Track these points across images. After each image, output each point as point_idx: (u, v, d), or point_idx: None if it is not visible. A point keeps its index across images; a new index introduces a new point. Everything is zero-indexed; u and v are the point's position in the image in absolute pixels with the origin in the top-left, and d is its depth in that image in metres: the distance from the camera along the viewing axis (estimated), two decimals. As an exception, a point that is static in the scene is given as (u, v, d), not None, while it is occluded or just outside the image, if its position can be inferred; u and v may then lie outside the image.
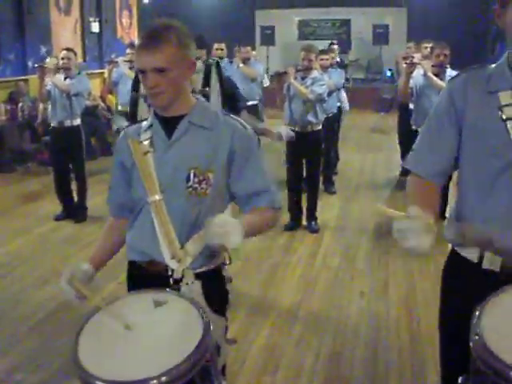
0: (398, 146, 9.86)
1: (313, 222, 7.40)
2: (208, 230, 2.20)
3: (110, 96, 13.44)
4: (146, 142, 2.51)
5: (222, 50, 9.51)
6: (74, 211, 8.07)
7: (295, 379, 4.11)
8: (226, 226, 2.18)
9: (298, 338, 4.65)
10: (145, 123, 2.59)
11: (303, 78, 7.06)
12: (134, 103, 5.60)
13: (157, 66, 2.35)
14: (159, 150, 2.49)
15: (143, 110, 5.48)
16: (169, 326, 2.18)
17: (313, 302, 5.32)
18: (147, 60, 2.36)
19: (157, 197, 2.45)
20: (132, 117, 5.64)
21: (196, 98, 2.59)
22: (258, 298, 5.38)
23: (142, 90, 5.52)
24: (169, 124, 2.50)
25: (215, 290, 2.54)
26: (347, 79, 11.76)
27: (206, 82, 5.10)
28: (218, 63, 5.40)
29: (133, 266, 2.64)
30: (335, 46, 11.08)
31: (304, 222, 7.45)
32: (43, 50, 13.49)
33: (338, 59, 10.87)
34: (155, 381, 1.92)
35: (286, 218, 7.29)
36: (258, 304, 5.27)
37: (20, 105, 12.03)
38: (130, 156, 2.53)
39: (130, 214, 2.64)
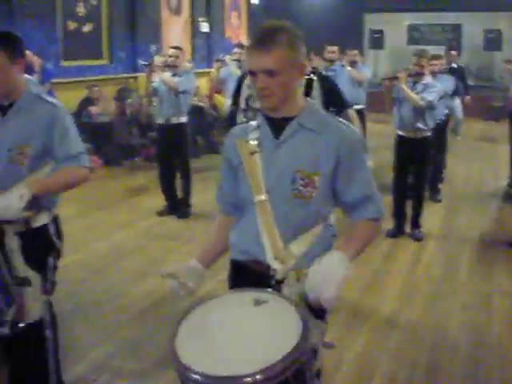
0: (506, 156, 9.54)
1: (416, 230, 7.25)
2: (309, 279, 2.24)
3: (216, 95, 13.62)
4: (254, 142, 2.52)
5: (333, 52, 9.49)
6: (178, 207, 8.23)
7: (390, 388, 4.03)
8: (327, 277, 2.20)
9: (395, 348, 4.57)
10: (253, 123, 2.60)
11: (414, 84, 6.93)
12: (232, 118, 5.65)
13: (267, 68, 2.35)
14: (266, 150, 2.50)
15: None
16: (267, 326, 2.19)
17: (412, 312, 5.21)
18: (258, 62, 2.37)
19: (262, 197, 2.46)
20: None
21: (306, 101, 2.59)
22: (356, 303, 5.32)
23: (241, 103, 5.57)
24: (277, 125, 2.50)
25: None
26: (466, 87, 11.49)
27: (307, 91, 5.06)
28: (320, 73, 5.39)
29: (235, 264, 2.66)
30: (454, 52, 10.85)
31: (407, 230, 7.32)
32: (153, 48, 13.83)
33: (455, 65, 10.65)
34: (249, 378, 1.93)
35: (389, 224, 7.19)
36: (357, 310, 5.21)
37: (129, 101, 12.37)
38: (238, 155, 2.56)
39: (238, 211, 2.66)
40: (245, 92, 5.49)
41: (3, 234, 3.25)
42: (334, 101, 5.15)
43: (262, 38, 2.38)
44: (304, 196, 2.43)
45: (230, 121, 5.70)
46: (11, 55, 3.16)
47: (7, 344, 3.42)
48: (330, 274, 2.20)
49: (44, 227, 3.37)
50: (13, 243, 3.27)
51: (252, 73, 2.42)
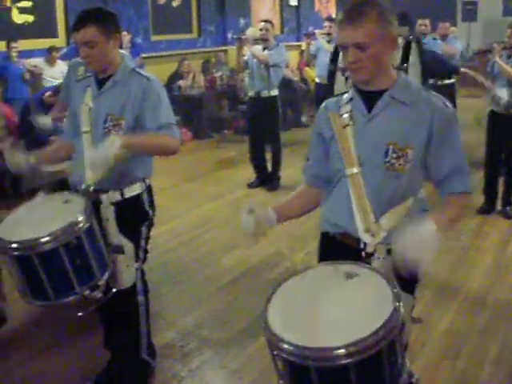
0: None
1: (508, 208, 7.04)
2: (399, 242, 2.22)
3: (306, 68, 13.57)
4: (346, 116, 2.52)
5: (425, 26, 9.29)
6: (267, 179, 8.28)
7: (477, 368, 3.95)
8: (423, 242, 2.19)
9: (484, 326, 4.48)
10: (345, 96, 2.59)
11: (509, 57, 6.70)
12: (331, 76, 5.63)
13: (358, 42, 2.34)
14: (359, 123, 2.49)
15: (340, 83, 5.50)
16: (359, 299, 2.20)
17: (502, 290, 5.09)
18: (348, 35, 2.36)
19: (355, 170, 2.46)
20: (329, 90, 5.68)
21: (398, 74, 2.56)
22: (445, 280, 5.24)
23: (340, 63, 5.55)
24: (369, 98, 2.49)
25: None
26: None
27: (405, 58, 5.00)
28: (418, 40, 5.29)
29: (326, 237, 2.68)
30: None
31: (498, 207, 7.13)
32: (242, 22, 13.86)
33: None
34: (342, 350, 1.95)
35: (479, 200, 7.02)
36: (445, 286, 5.13)
37: (219, 74, 12.46)
38: (330, 129, 2.56)
39: (323, 184, 2.68)
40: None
41: (99, 203, 3.37)
42: (440, 70, 5.05)
43: (352, 12, 2.36)
44: (396, 169, 2.42)
45: (329, 80, 5.69)
46: (106, 30, 3.25)
47: (102, 307, 3.56)
48: (420, 238, 2.20)
49: (138, 197, 3.46)
50: (108, 212, 3.38)
51: (343, 47, 2.41)
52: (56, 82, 8.57)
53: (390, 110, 2.46)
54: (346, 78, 5.38)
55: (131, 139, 3.24)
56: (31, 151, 3.59)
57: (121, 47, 3.53)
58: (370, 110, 2.48)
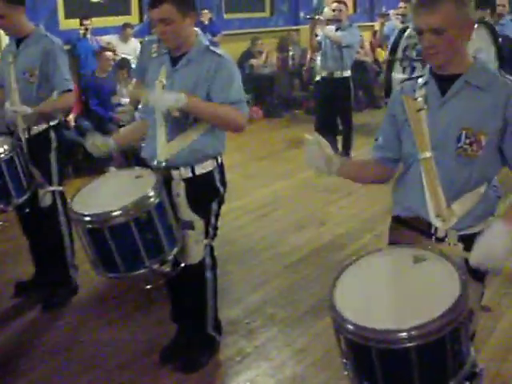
0: None
1: None
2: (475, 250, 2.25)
3: (379, 49, 13.39)
4: (420, 99, 2.49)
5: (503, 6, 9.03)
6: (339, 159, 8.20)
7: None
8: (492, 249, 2.22)
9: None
10: (420, 80, 2.56)
11: None
12: (389, 67, 5.57)
13: (434, 26, 2.30)
14: (432, 107, 2.46)
15: (397, 73, 5.44)
16: (426, 283, 2.19)
17: None
18: (425, 19, 2.32)
19: (427, 154, 2.43)
20: (386, 81, 5.62)
21: (473, 58, 2.51)
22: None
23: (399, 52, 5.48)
24: (444, 82, 2.45)
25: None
26: None
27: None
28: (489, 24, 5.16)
29: (396, 220, 2.66)
30: None
31: None
32: (315, 1, 13.74)
33: None
34: (405, 333, 1.96)
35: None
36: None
37: (291, 54, 12.42)
38: (404, 111, 2.53)
39: (391, 165, 2.68)
40: (403, 42, 5.42)
41: (170, 180, 3.42)
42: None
43: None
44: (469, 155, 2.38)
45: (387, 70, 5.64)
46: (183, 8, 3.27)
47: (171, 282, 3.62)
48: (494, 246, 2.20)
49: (209, 174, 3.49)
50: (179, 188, 3.43)
51: (418, 31, 2.37)
52: (129, 58, 8.75)
53: (465, 94, 2.42)
54: (404, 68, 5.34)
55: (197, 101, 3.28)
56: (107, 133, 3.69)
57: (196, 25, 3.57)
58: (444, 94, 2.44)
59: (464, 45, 2.44)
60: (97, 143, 3.62)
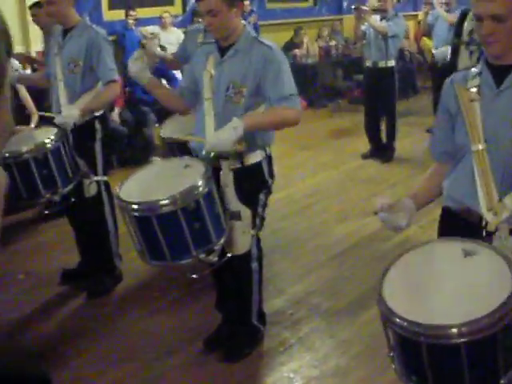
0: None
1: None
2: None
3: (424, 38, 13.24)
4: (474, 90, 2.45)
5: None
6: (382, 151, 8.18)
7: None
8: None
9: None
10: (474, 69, 2.52)
11: None
12: (454, 51, 5.45)
13: (494, 14, 2.26)
14: (487, 98, 2.42)
15: (463, 58, 5.32)
16: (476, 277, 2.16)
17: None
18: (485, 6, 2.28)
19: (480, 146, 2.39)
20: (451, 65, 5.51)
21: None
22: None
23: (465, 36, 5.37)
24: (499, 73, 2.41)
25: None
26: None
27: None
28: None
29: (447, 212, 2.62)
30: None
31: None
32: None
33: None
34: (455, 329, 1.94)
35: None
36: None
37: (334, 43, 12.35)
38: (456, 102, 2.50)
39: (452, 159, 2.60)
40: (469, 25, 5.29)
41: (219, 170, 3.43)
42: None
43: None
44: None
45: (453, 56, 5.52)
46: (229, 0, 3.28)
47: (216, 271, 3.64)
48: None
49: (258, 165, 3.50)
50: (227, 179, 3.44)
51: (478, 18, 2.33)
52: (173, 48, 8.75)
53: None
54: (471, 52, 5.21)
55: (253, 121, 3.30)
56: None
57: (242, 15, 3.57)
58: (499, 85, 2.40)
59: None
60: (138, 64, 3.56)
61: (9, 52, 1.16)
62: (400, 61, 11.01)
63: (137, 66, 3.53)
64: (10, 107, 1.20)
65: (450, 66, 5.48)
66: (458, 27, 5.39)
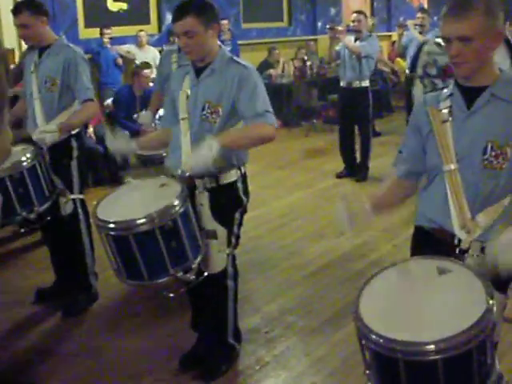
0: None
1: None
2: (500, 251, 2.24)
3: (398, 59, 13.41)
4: (445, 111, 2.49)
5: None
6: (356, 170, 8.25)
7: None
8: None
9: None
10: (445, 91, 2.57)
11: None
12: (408, 81, 5.59)
13: (462, 35, 2.31)
14: (458, 119, 2.46)
15: (418, 89, 5.46)
16: (451, 295, 2.19)
17: None
18: (453, 28, 2.33)
19: (452, 166, 2.43)
20: (407, 94, 5.65)
21: (500, 70, 2.51)
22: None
23: (419, 68, 5.50)
24: (469, 94, 2.45)
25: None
26: None
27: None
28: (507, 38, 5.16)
29: (420, 230, 2.66)
30: None
31: None
32: (333, 11, 13.79)
33: None
34: (433, 346, 1.96)
35: None
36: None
37: (309, 63, 12.46)
38: (428, 123, 2.54)
39: (416, 179, 2.66)
40: (423, 59, 5.44)
41: (194, 189, 3.45)
42: None
43: (458, 4, 2.34)
44: (494, 167, 2.38)
45: (407, 86, 5.66)
46: (205, 21, 3.32)
47: (192, 290, 3.64)
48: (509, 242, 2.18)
49: (233, 184, 3.52)
50: (203, 198, 3.46)
51: (446, 39, 2.39)
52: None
53: (491, 107, 2.42)
54: (424, 86, 5.36)
55: (228, 138, 3.32)
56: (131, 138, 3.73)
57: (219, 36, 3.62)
58: (469, 106, 2.45)
59: (491, 56, 2.44)
60: (118, 140, 3.65)
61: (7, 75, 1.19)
62: (380, 81, 11.19)
63: (120, 143, 3.64)
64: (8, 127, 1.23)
65: (406, 95, 5.63)
66: (413, 59, 5.54)
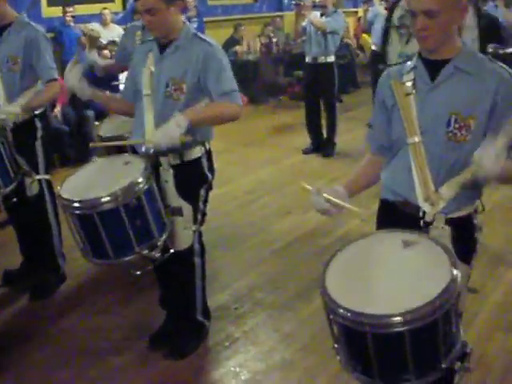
0: None
1: None
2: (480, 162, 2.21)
3: (364, 35, 13.43)
4: (409, 84, 2.50)
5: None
6: (323, 146, 8.27)
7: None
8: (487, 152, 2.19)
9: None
10: (408, 64, 2.57)
11: None
12: (385, 35, 5.61)
13: (428, 9, 2.30)
14: (421, 92, 2.47)
15: (394, 41, 5.47)
16: (416, 267, 2.21)
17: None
18: (418, 2, 2.32)
19: (416, 139, 2.44)
20: (381, 50, 5.68)
21: (463, 43, 2.52)
22: (500, 250, 5.17)
23: (395, 20, 5.54)
24: (433, 67, 2.45)
25: (464, 238, 2.51)
26: None
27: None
28: (476, 3, 5.18)
29: (385, 204, 2.67)
30: None
31: None
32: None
33: None
34: (399, 318, 1.98)
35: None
36: (500, 257, 5.07)
37: (275, 40, 12.42)
38: (392, 96, 2.54)
39: (388, 153, 2.65)
40: (398, 11, 5.47)
41: (158, 166, 3.43)
42: (493, 37, 4.96)
43: None
44: (458, 139, 2.39)
45: (384, 37, 5.67)
46: None
47: (159, 267, 3.64)
48: (487, 149, 2.19)
49: (197, 160, 3.51)
50: (167, 175, 3.44)
51: (412, 13, 2.38)
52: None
53: (454, 79, 2.42)
54: (400, 36, 5.38)
55: (195, 115, 3.29)
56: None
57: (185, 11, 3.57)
58: (433, 79, 2.45)
59: (455, 29, 2.44)
60: (73, 73, 3.60)
61: None
62: (348, 55, 11.19)
63: (73, 77, 3.54)
64: None
65: (380, 51, 5.63)
66: (389, 14, 5.56)
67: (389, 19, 5.60)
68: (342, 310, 2.06)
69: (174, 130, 3.15)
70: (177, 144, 3.22)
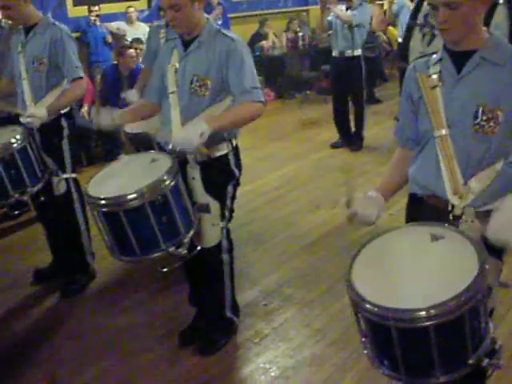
0: None
1: None
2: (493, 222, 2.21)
3: (390, 28, 13.31)
4: (435, 76, 2.46)
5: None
6: (351, 140, 8.23)
7: None
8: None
9: None
10: (434, 56, 2.54)
11: None
12: (408, 32, 5.54)
13: (449, 1, 2.27)
14: (447, 84, 2.43)
15: (416, 40, 5.40)
16: (444, 261, 2.18)
17: None
18: None
19: (443, 131, 2.41)
20: (404, 46, 5.61)
21: (490, 33, 2.48)
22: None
23: (419, 19, 5.45)
24: (459, 59, 2.42)
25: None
26: None
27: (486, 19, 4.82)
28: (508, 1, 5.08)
29: (413, 198, 2.64)
30: None
31: None
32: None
33: None
34: (424, 312, 1.96)
35: None
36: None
37: (301, 34, 12.38)
38: (418, 89, 2.51)
39: (417, 146, 2.61)
40: (425, 8, 5.38)
41: (185, 163, 3.43)
42: None
43: None
44: (486, 131, 2.35)
45: (407, 33, 5.61)
46: None
47: (188, 265, 3.65)
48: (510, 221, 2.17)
49: (224, 157, 3.49)
50: (194, 171, 3.44)
51: (433, 6, 2.35)
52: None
53: (480, 70, 2.39)
54: (423, 35, 5.31)
55: (218, 124, 3.26)
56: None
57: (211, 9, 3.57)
58: (459, 70, 2.42)
59: (479, 20, 2.40)
60: (102, 115, 3.62)
61: None
62: (376, 49, 11.12)
63: (104, 119, 3.59)
64: None
65: (402, 47, 5.57)
66: (414, 10, 5.48)
67: (414, 16, 5.52)
68: (366, 305, 2.06)
69: (195, 139, 3.12)
70: (193, 152, 3.23)
